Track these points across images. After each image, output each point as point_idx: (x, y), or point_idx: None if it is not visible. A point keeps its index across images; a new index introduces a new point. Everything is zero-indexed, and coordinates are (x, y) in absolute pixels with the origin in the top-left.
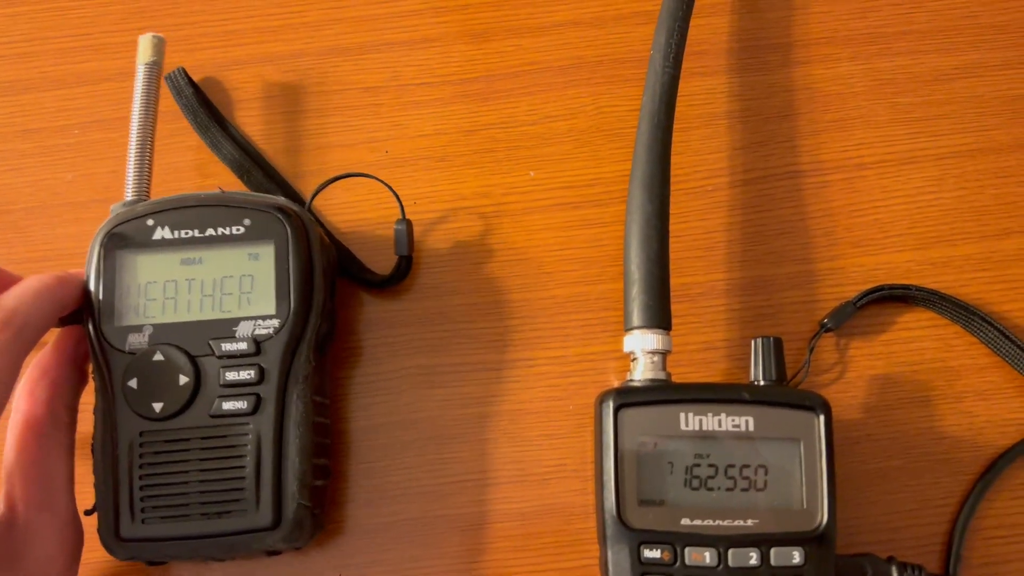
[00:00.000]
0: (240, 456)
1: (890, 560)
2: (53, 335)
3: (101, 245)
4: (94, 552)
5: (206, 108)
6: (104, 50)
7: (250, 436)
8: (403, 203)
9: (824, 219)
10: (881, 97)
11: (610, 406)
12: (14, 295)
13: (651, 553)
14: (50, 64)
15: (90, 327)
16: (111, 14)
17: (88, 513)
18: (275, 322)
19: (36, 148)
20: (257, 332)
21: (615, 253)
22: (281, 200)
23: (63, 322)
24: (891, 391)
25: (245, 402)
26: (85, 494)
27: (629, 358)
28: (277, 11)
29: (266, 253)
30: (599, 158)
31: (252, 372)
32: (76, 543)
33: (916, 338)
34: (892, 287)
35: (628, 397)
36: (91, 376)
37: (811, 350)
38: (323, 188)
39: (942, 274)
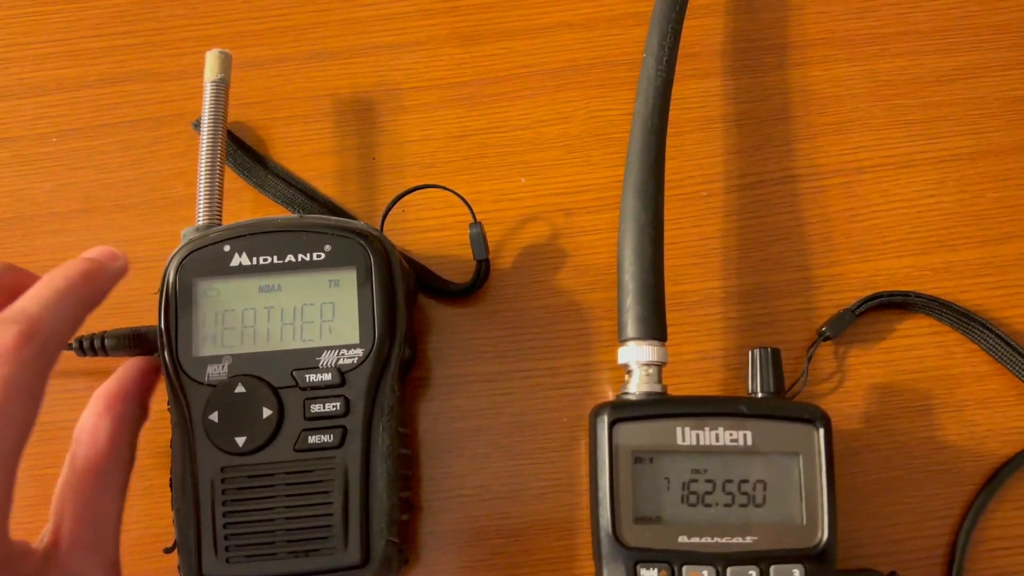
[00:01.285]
0: (327, 492)
1: (892, 575)
2: (117, 364)
3: (176, 272)
4: None
5: (244, 150)
6: (82, 56)
7: (336, 471)
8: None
9: (822, 224)
10: (879, 99)
11: (605, 421)
12: (37, 300)
13: (648, 572)
14: (27, 70)
15: (167, 358)
16: (89, 19)
17: (168, 551)
18: (359, 351)
19: (13, 157)
20: (341, 362)
21: (609, 260)
22: (360, 224)
23: (132, 352)
24: (891, 400)
25: (331, 435)
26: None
27: (624, 370)
28: (260, 15)
29: (347, 279)
30: (592, 163)
31: (338, 404)
32: None
33: (916, 346)
34: (891, 294)
35: (623, 411)
36: (167, 408)
37: (809, 359)
38: (392, 206)
39: (942, 280)
